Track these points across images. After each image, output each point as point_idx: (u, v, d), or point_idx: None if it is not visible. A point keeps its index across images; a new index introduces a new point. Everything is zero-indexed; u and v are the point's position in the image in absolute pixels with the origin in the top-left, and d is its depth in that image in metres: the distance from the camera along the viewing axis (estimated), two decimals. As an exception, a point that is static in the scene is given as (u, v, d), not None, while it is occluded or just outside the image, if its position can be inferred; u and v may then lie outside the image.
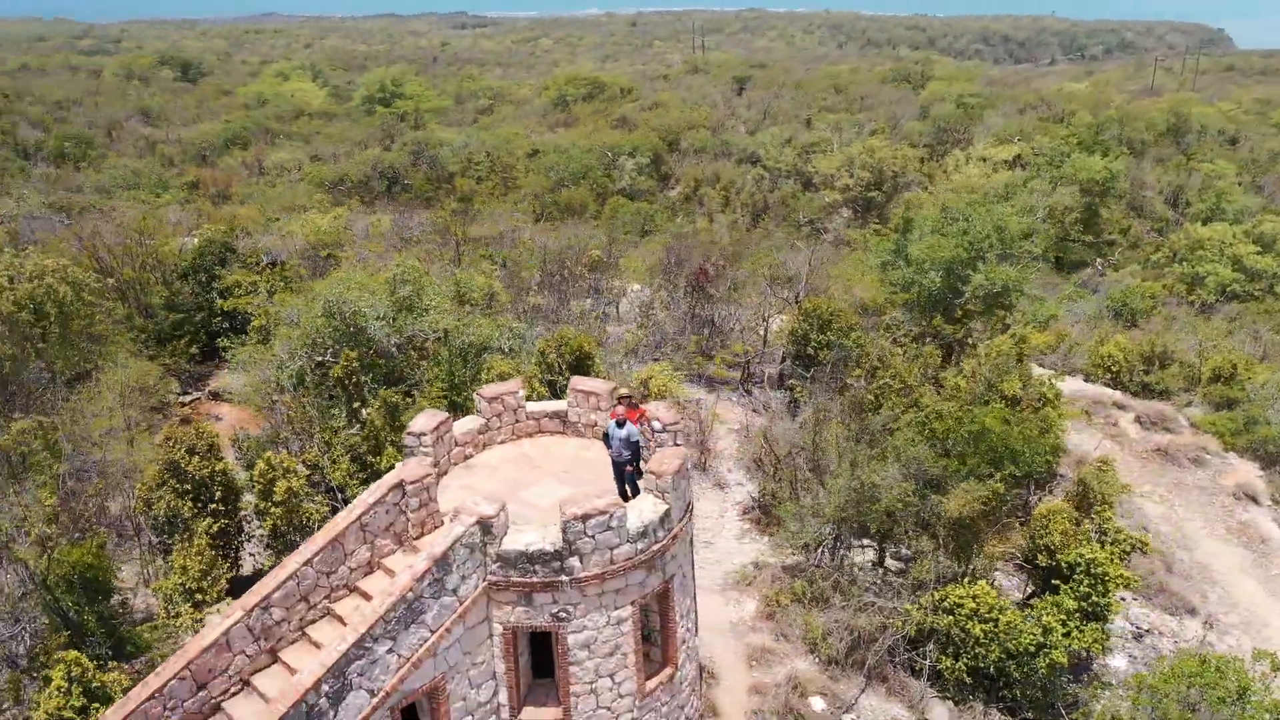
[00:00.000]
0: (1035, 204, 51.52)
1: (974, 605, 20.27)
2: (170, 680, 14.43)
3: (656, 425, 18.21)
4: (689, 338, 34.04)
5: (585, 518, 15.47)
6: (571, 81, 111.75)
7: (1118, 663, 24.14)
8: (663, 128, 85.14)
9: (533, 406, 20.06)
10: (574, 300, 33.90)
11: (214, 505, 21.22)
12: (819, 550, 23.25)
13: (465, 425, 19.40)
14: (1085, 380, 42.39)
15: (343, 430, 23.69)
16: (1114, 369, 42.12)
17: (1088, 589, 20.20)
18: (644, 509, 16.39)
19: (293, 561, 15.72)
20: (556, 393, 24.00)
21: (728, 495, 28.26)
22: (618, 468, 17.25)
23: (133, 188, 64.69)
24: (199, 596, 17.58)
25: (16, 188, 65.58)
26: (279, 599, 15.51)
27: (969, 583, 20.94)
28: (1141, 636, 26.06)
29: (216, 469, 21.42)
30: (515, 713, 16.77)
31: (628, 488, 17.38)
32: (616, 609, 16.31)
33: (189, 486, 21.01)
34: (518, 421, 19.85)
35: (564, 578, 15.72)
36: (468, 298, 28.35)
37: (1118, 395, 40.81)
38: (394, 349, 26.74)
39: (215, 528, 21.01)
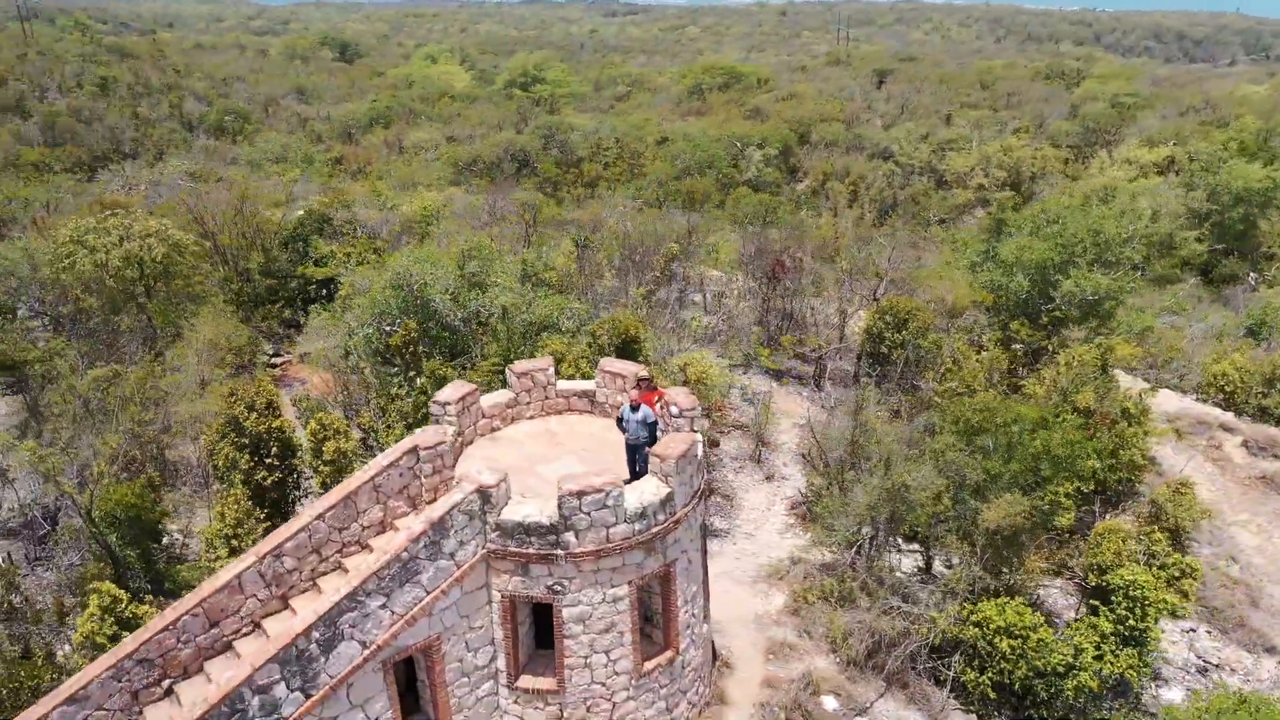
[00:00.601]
0: (1142, 209, 48.34)
1: (1003, 621, 19.53)
2: (184, 615, 15.49)
3: (674, 410, 18.29)
4: (753, 329, 33.77)
5: (581, 494, 15.72)
6: (708, 70, 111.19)
7: (1172, 695, 22.78)
8: (795, 120, 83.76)
9: (563, 385, 20.41)
10: (641, 285, 34.07)
11: (269, 460, 22.50)
12: (854, 549, 22.82)
13: (494, 399, 19.91)
14: (1196, 399, 39.87)
15: (399, 398, 24.66)
16: (1228, 389, 39.40)
17: (1125, 611, 19.13)
18: (645, 491, 16.51)
19: (306, 515, 16.58)
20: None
21: (778, 489, 28.01)
22: (631, 450, 17.39)
23: (280, 161, 68.43)
24: (234, 543, 18.73)
25: (177, 156, 71.10)
26: (291, 549, 16.39)
27: (1004, 597, 20.17)
28: (1208, 671, 24.49)
29: (273, 426, 22.66)
30: (513, 679, 17.22)
31: (639, 469, 17.51)
32: (613, 587, 16.51)
33: (246, 440, 22.33)
34: (547, 398, 20.24)
35: (559, 552, 16.03)
36: (536, 277, 28.95)
37: (1227, 417, 38.15)
38: (459, 323, 27.58)
39: (269, 480, 22.26)
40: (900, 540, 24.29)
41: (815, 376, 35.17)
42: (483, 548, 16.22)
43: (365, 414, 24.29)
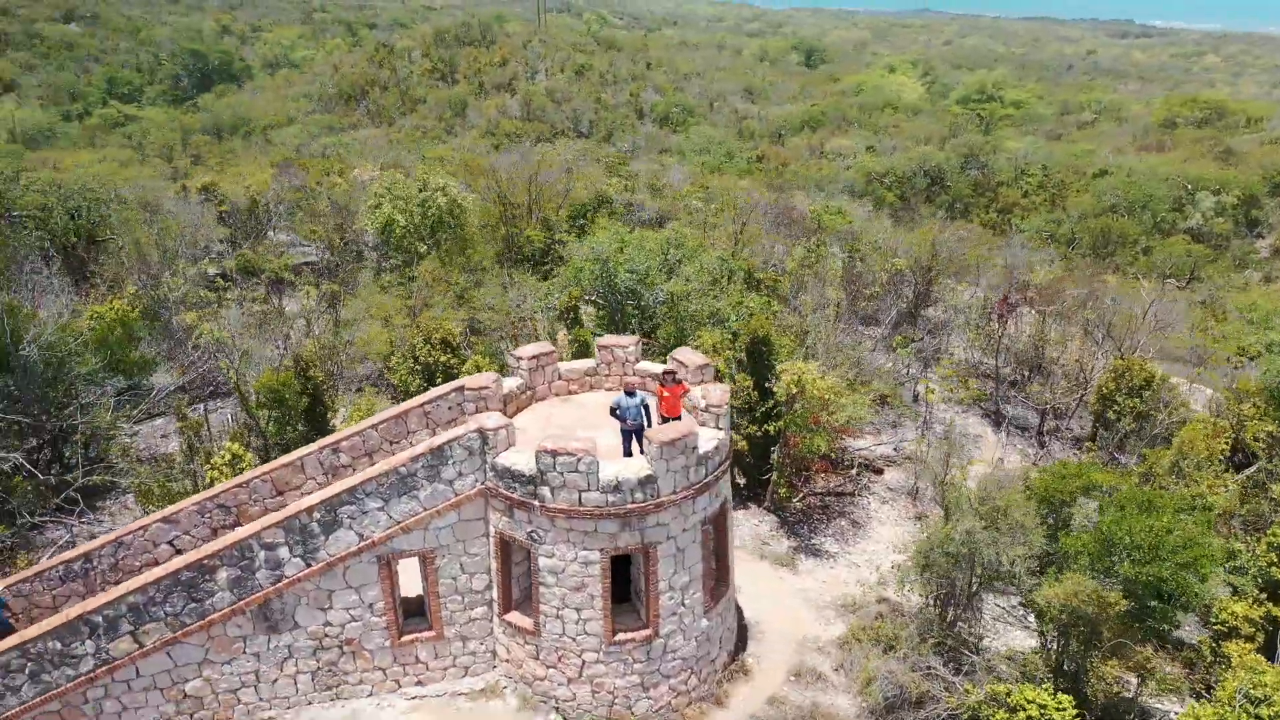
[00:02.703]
0: None
1: (1039, 714, 17.23)
2: (255, 478, 19.24)
3: (701, 403, 18.63)
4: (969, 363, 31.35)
5: (555, 454, 16.90)
6: (1188, 103, 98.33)
7: None
8: (1273, 166, 70.97)
9: (642, 365, 21.39)
10: (864, 302, 33.16)
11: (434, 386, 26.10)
12: (940, 600, 21.15)
13: (578, 366, 21.50)
14: None
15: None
16: None
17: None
18: (626, 466, 17.21)
19: (364, 423, 19.58)
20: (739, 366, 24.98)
21: (918, 530, 26.27)
22: (626, 435, 18.07)
23: (703, 153, 74.02)
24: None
25: (624, 140, 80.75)
26: (346, 447, 19.49)
27: (1056, 689, 17.72)
28: None
29: (441, 360, 26.22)
30: (502, 612, 18.88)
31: (642, 451, 18.14)
32: (585, 549, 17.47)
33: (419, 367, 26.13)
34: (625, 375, 21.38)
35: (535, 502, 17.36)
36: (746, 276, 29.64)
37: None
38: (651, 303, 29.29)
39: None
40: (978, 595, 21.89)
41: (1040, 431, 31.91)
42: (481, 483, 18.02)
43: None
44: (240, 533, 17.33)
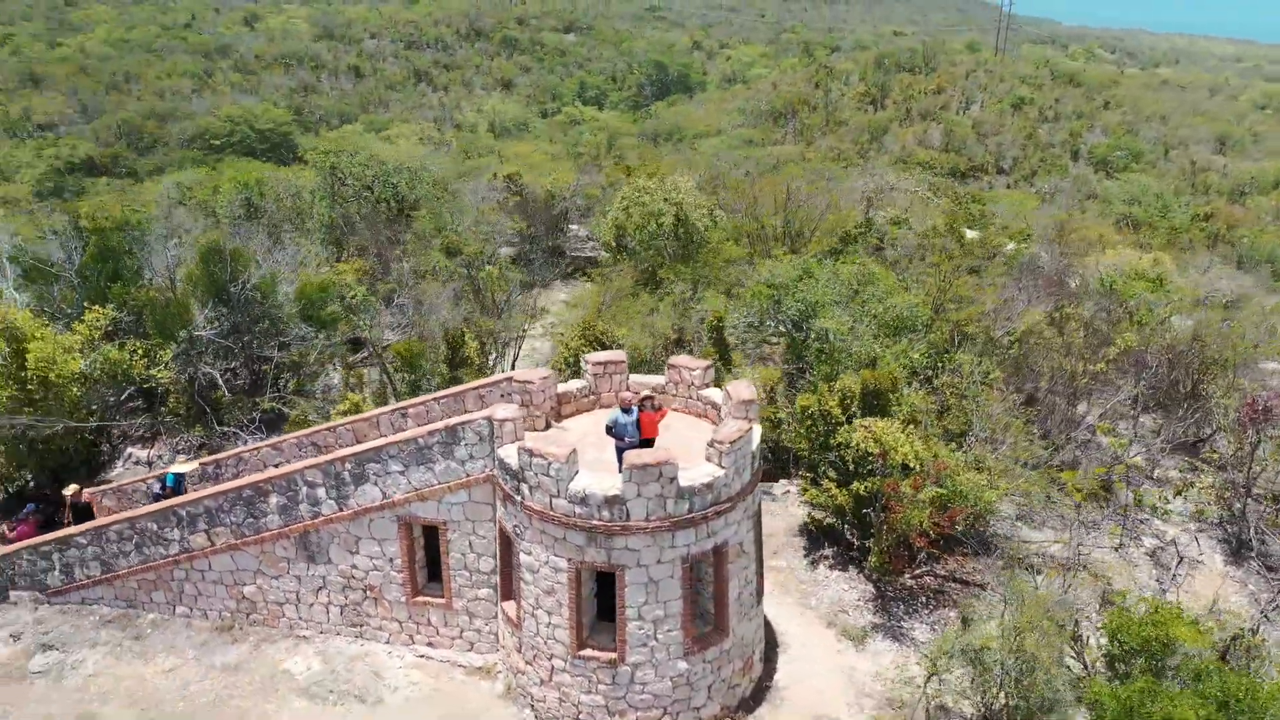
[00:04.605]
0: None
1: None
2: (339, 426, 21.77)
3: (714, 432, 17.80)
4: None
5: (531, 453, 17.20)
6: None
7: None
8: None
9: (706, 391, 20.70)
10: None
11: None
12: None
13: (646, 380, 21.41)
14: None
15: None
16: None
17: None
18: (596, 481, 17.00)
19: (427, 397, 21.24)
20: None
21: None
22: (619, 452, 17.71)
23: (1132, 203, 66.77)
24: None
25: (1046, 181, 76.37)
26: (412, 414, 21.31)
27: None
28: None
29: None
30: (502, 599, 19.52)
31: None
32: (555, 555, 17.59)
33: (571, 356, 27.47)
34: (690, 397, 20.86)
35: (517, 498, 17.79)
36: (900, 326, 27.20)
37: None
38: (810, 337, 27.99)
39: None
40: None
41: (1238, 541, 25.42)
42: (489, 469, 18.81)
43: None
44: (290, 467, 19.80)
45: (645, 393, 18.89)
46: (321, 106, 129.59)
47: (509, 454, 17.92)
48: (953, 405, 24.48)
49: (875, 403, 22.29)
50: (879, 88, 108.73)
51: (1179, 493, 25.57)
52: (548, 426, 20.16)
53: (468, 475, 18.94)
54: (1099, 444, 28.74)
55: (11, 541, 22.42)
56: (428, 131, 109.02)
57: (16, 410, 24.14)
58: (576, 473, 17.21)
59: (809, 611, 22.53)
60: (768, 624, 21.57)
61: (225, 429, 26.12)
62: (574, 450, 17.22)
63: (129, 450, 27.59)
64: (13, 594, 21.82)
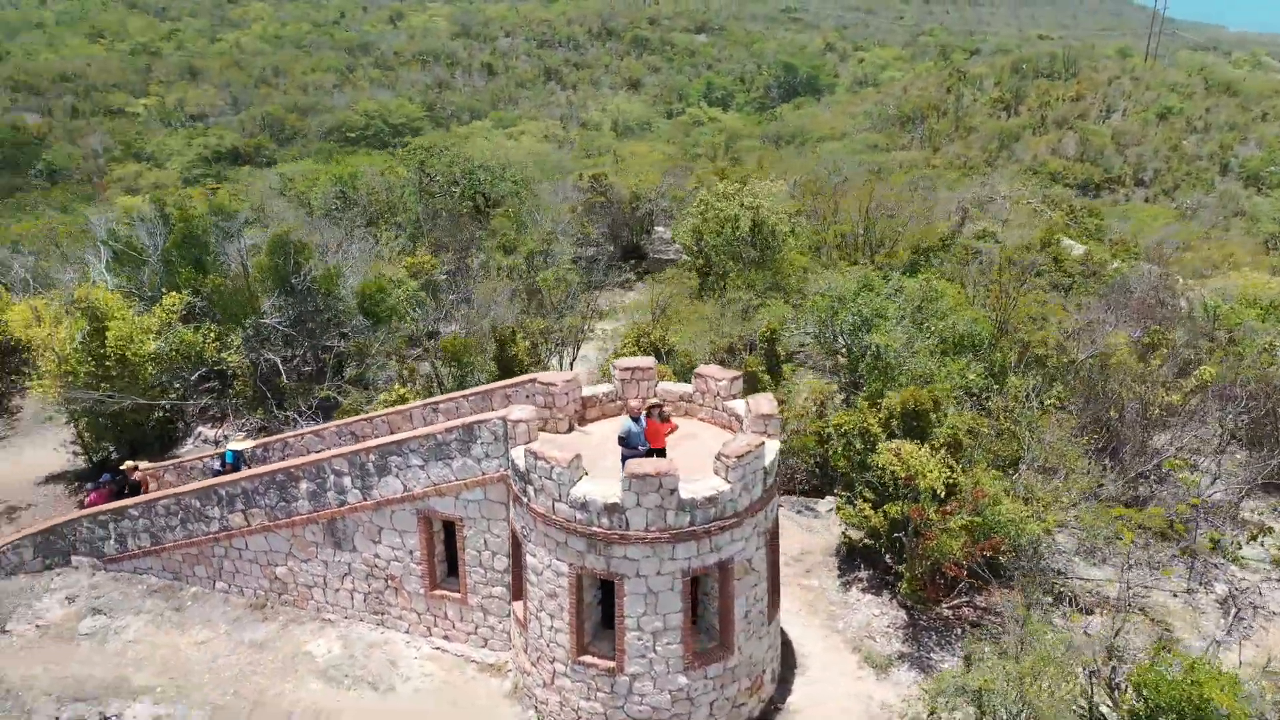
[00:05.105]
0: None
1: None
2: (375, 418, 22.34)
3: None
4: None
5: (537, 456, 17.23)
6: None
7: None
8: None
9: (731, 403, 20.30)
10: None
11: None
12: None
13: (674, 388, 21.15)
14: None
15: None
16: None
17: None
18: (596, 488, 16.88)
19: (459, 393, 21.54)
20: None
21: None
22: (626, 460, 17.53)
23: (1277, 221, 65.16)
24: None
25: (1189, 195, 74.51)
26: (443, 409, 21.69)
27: None
28: None
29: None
30: (514, 598, 19.63)
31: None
32: (557, 559, 17.58)
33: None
34: (715, 408, 20.51)
35: (525, 499, 17.86)
36: (961, 345, 25.98)
37: None
38: (863, 352, 27.16)
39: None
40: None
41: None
42: (503, 469, 18.94)
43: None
44: (320, 455, 20.43)
45: (653, 401, 18.64)
46: (454, 102, 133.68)
47: (518, 455, 18.00)
48: (1005, 430, 23.32)
49: (915, 423, 21.42)
50: (1014, 93, 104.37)
51: (1253, 537, 23.68)
52: (570, 430, 20.17)
53: (483, 473, 19.13)
54: (1176, 480, 26.90)
55: (86, 508, 23.90)
56: (553, 129, 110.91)
57: (94, 386, 25.68)
58: (580, 478, 17.15)
59: (835, 634, 21.85)
60: (788, 644, 21.06)
61: (285, 413, 27.12)
62: (577, 455, 17.17)
63: (199, 429, 29.01)
64: (74, 559, 23.24)
